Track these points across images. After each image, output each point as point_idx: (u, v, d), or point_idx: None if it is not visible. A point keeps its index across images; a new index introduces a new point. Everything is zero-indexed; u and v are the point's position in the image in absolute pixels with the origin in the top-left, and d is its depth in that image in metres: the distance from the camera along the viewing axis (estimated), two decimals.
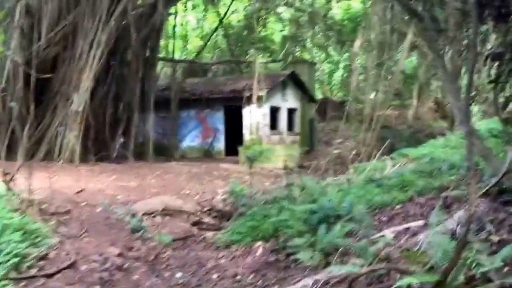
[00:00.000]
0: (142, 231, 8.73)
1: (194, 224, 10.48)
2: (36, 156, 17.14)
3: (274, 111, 25.64)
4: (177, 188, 13.15)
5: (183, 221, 10.39)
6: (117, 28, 18.66)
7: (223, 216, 11.11)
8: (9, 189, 8.56)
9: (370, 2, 28.79)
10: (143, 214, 10.26)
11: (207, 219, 10.93)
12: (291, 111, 27.02)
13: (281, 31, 39.83)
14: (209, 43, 32.89)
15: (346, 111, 25.88)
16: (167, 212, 10.64)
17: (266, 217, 8.96)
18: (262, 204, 10.24)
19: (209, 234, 9.84)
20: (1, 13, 16.31)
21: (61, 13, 18.27)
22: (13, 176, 8.24)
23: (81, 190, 11.39)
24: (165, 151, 24.31)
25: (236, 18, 35.64)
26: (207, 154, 25.48)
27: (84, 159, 17.76)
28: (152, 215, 10.38)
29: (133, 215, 9.42)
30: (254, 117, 24.19)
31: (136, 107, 20.99)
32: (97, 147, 19.18)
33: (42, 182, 12.13)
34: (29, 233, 7.11)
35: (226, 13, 30.66)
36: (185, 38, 33.58)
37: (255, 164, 19.11)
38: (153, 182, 13.96)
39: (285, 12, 37.88)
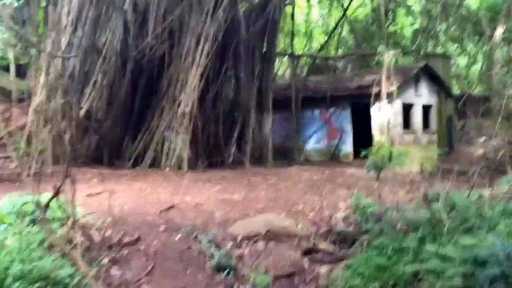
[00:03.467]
0: (227, 271, 6.08)
1: (306, 252, 7.68)
2: (142, 163, 15.38)
3: (407, 108, 22.02)
4: (290, 201, 10.38)
5: (292, 249, 7.65)
6: (225, 20, 16.34)
7: (344, 240, 8.20)
8: (63, 210, 6.28)
9: None
10: (242, 239, 7.71)
11: (323, 245, 8.04)
12: (426, 108, 23.18)
13: (412, 24, 35.79)
14: (334, 38, 29.83)
15: (489, 107, 21.74)
16: (272, 235, 7.95)
17: (399, 253, 6.03)
18: (395, 230, 7.23)
19: (324, 269, 7.03)
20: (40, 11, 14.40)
21: (167, 8, 16.34)
22: (58, 191, 5.87)
23: (171, 207, 9.00)
24: (287, 154, 21.72)
25: (363, 12, 32.29)
26: (333, 157, 22.47)
27: (193, 165, 15.59)
28: (253, 240, 7.75)
29: (219, 246, 6.82)
30: (384, 115, 20.77)
31: (253, 108, 18.56)
32: (209, 152, 17.01)
33: (130, 196, 10.03)
34: (54, 284, 4.74)
35: (348, 5, 27.38)
36: (309, 35, 30.75)
37: (386, 169, 15.97)
38: (262, 194, 11.30)
39: (416, 4, 33.84)
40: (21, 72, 18.58)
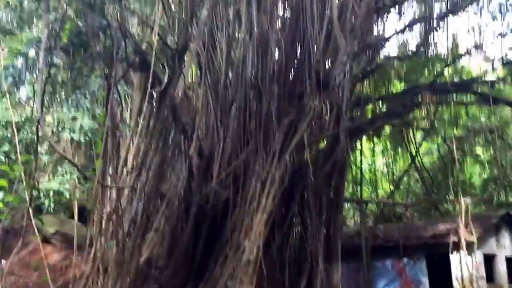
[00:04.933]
0: None
1: None
2: None
3: (489, 260, 19.75)
4: None
5: None
6: (292, 164, 15.48)
7: None
8: None
9: None
10: None
11: None
12: (510, 260, 20.77)
13: (481, 173, 34.11)
14: (401, 186, 28.52)
15: None
16: None
17: None
18: None
19: None
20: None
21: (232, 153, 15.76)
22: None
23: None
24: None
25: (429, 159, 31.11)
26: None
27: None
28: None
29: None
30: (464, 267, 18.54)
31: (321, 256, 16.93)
32: None
33: None
34: None
35: (416, 153, 26.32)
36: (374, 183, 29.56)
37: None
38: None
39: (484, 153, 32.44)
40: (84, 217, 18.10)
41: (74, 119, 14.88)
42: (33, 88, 11.67)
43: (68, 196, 18.30)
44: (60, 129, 15.63)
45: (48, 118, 16.90)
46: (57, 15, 9.66)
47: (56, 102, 14.81)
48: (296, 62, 17.02)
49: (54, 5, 9.81)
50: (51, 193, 17.90)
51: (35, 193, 15.17)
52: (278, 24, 16.88)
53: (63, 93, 13.45)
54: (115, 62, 10.93)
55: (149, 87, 12.52)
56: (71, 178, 18.18)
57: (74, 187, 17.06)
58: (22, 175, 9.84)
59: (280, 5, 17.06)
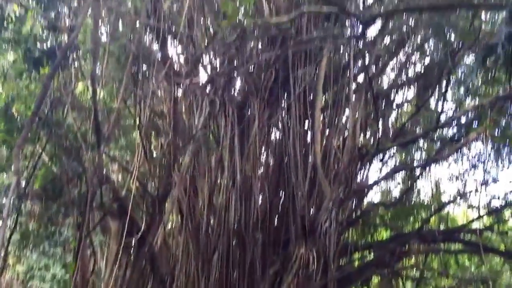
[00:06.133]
0: None
1: None
2: None
3: None
4: None
5: None
6: None
7: None
8: None
9: None
10: None
11: None
12: None
13: None
14: None
15: None
16: None
17: None
18: None
19: None
20: None
21: None
22: None
23: None
24: None
25: None
26: None
27: None
28: None
29: None
30: None
31: None
32: None
33: None
34: None
35: None
36: None
37: None
38: None
39: None
40: None
41: (45, 267, 13.91)
42: None
43: None
44: (28, 277, 14.55)
45: (18, 266, 15.85)
46: (31, 161, 9.22)
47: (27, 249, 13.91)
48: (280, 209, 16.53)
49: (30, 150, 9.45)
50: None
51: None
52: (262, 170, 16.60)
53: (33, 240, 12.61)
54: (90, 210, 10.32)
55: (125, 235, 11.89)
56: None
57: None
58: None
59: (264, 151, 16.92)
